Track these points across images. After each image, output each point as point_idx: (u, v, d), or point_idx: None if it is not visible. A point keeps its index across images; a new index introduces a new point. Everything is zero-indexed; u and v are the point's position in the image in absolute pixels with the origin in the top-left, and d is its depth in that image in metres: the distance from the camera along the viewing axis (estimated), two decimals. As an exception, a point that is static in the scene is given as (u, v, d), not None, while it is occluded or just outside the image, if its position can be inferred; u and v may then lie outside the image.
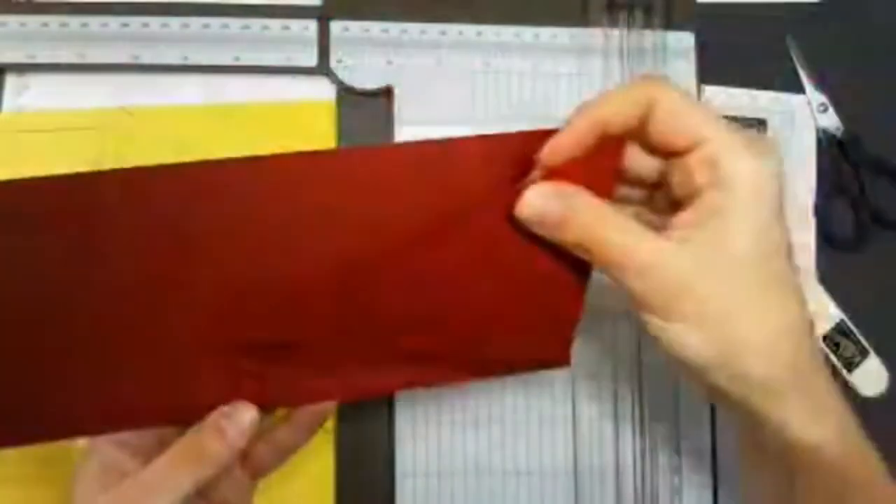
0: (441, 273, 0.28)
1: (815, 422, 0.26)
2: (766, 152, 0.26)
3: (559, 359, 0.30)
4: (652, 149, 0.27)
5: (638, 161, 0.28)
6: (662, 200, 0.29)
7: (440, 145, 0.26)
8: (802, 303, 0.26)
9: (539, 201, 0.26)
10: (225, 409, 0.28)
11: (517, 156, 0.26)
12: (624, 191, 0.29)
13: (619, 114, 0.26)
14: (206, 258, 0.26)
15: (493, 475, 0.36)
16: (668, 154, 0.27)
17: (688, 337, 0.25)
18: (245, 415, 0.28)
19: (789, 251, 0.26)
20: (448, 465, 0.36)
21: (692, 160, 0.26)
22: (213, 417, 0.27)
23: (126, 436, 0.28)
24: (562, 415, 0.37)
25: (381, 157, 0.26)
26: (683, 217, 0.26)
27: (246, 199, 0.26)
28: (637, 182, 0.29)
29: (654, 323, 0.26)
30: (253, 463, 0.30)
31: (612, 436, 0.37)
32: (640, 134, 0.27)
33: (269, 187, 0.26)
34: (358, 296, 0.28)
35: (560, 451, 0.37)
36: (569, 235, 0.26)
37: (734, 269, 0.25)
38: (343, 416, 0.36)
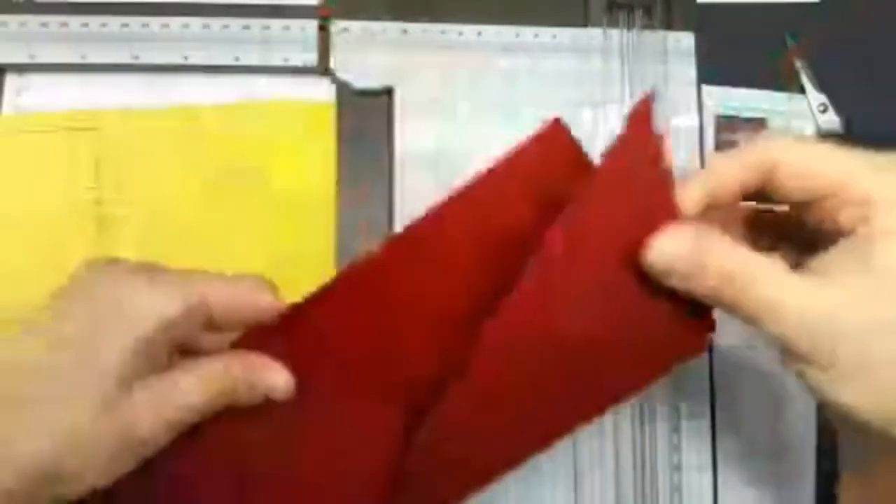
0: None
1: None
2: None
3: (696, 348, 0.27)
4: (779, 201, 0.26)
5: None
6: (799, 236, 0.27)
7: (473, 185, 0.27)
8: None
9: (669, 245, 0.24)
10: (261, 362, 0.26)
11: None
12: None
13: (731, 187, 0.25)
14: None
15: (493, 475, 0.36)
16: (803, 202, 0.25)
17: (845, 385, 0.23)
18: (278, 379, 0.26)
19: None
20: (448, 464, 0.36)
21: (834, 203, 0.24)
22: (249, 372, 0.25)
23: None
24: (562, 415, 0.37)
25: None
26: (832, 258, 0.24)
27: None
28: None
29: (808, 372, 0.24)
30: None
31: (612, 435, 0.37)
32: (770, 192, 0.26)
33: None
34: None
35: (560, 451, 0.37)
36: (706, 283, 0.24)
37: (891, 304, 0.23)
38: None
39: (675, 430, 0.37)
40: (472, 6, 0.39)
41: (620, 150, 0.25)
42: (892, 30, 0.43)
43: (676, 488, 0.37)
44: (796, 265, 0.24)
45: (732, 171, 0.25)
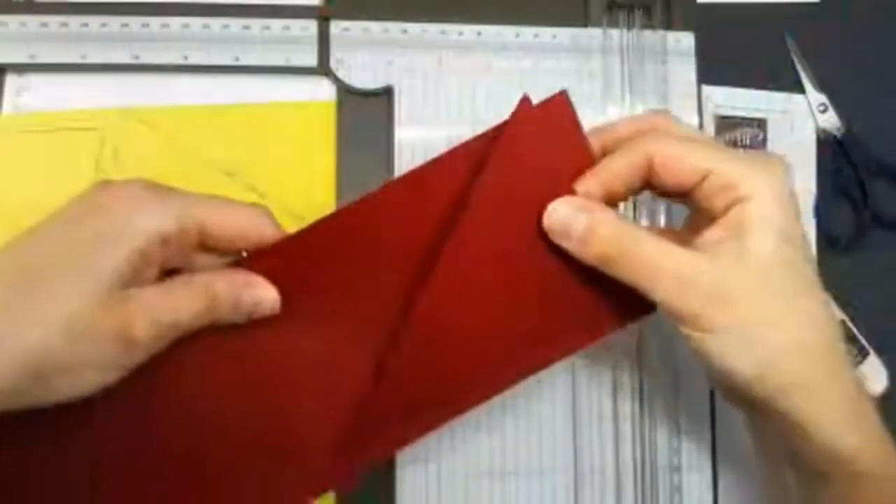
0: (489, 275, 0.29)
1: (851, 427, 0.26)
2: (774, 166, 0.27)
3: (642, 310, 0.29)
4: (664, 191, 0.29)
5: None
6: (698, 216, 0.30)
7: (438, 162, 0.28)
8: (829, 305, 0.27)
9: (565, 211, 0.27)
10: (249, 280, 0.27)
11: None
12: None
13: (619, 177, 0.28)
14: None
15: (494, 475, 0.36)
16: (681, 192, 0.28)
17: (722, 346, 0.26)
18: (265, 294, 0.27)
19: (811, 254, 0.27)
20: (448, 465, 0.36)
21: (706, 189, 0.27)
22: (237, 286, 0.27)
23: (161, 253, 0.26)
24: (562, 415, 0.37)
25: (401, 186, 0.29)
26: (710, 234, 0.27)
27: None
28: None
29: (693, 336, 0.26)
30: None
31: (612, 436, 0.37)
32: (650, 184, 0.29)
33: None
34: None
35: (560, 451, 0.37)
36: (595, 248, 0.27)
37: (764, 277, 0.26)
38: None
39: (675, 430, 0.37)
40: (472, 6, 0.39)
41: (533, 130, 0.28)
42: (892, 30, 0.43)
43: (676, 489, 0.37)
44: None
45: (619, 165, 0.28)
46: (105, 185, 0.26)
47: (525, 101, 0.28)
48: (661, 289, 0.26)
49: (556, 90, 0.29)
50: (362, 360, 0.28)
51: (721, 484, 0.37)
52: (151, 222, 0.25)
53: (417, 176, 0.29)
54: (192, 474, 0.28)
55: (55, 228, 0.25)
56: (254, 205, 0.28)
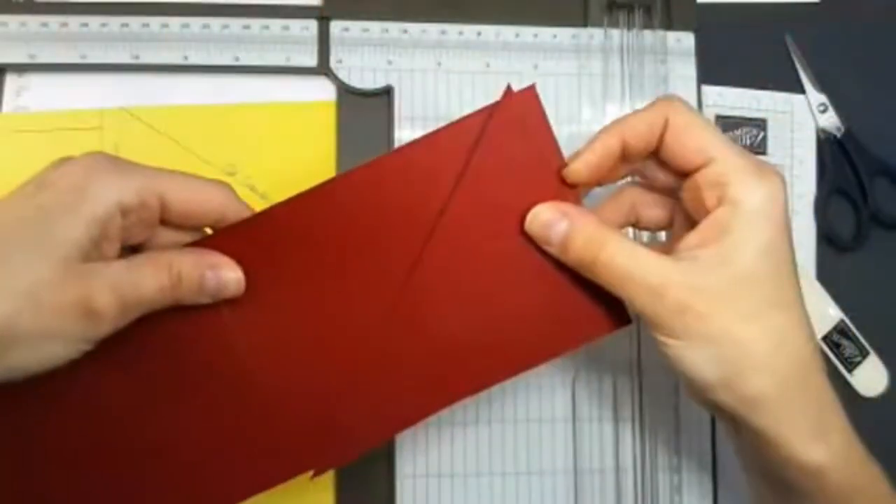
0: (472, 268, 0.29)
1: (817, 441, 0.26)
2: (773, 177, 0.27)
3: (619, 321, 0.29)
4: (667, 167, 0.29)
5: (656, 177, 0.30)
6: (680, 224, 0.30)
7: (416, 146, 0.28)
8: (806, 322, 0.27)
9: (547, 216, 0.28)
10: (214, 260, 0.27)
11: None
12: (645, 213, 0.31)
13: (637, 133, 0.28)
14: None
15: (494, 475, 0.36)
16: (680, 172, 0.28)
17: (691, 354, 0.26)
18: (230, 275, 0.27)
19: (795, 271, 0.27)
20: (448, 465, 0.36)
21: (701, 179, 0.27)
22: (201, 266, 0.27)
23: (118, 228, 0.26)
24: (562, 415, 0.37)
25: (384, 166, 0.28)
26: (691, 237, 0.27)
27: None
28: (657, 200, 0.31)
29: (661, 340, 0.27)
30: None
31: (612, 436, 0.37)
32: (658, 153, 0.29)
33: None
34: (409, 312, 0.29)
35: (560, 451, 0.37)
36: (573, 253, 0.27)
37: (738, 287, 0.26)
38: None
39: (675, 431, 0.37)
40: (472, 6, 0.39)
41: (504, 128, 0.28)
42: (892, 30, 0.43)
43: (676, 489, 0.37)
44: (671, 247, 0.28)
45: (639, 120, 0.28)
46: (66, 158, 0.26)
47: (508, 92, 0.28)
48: (633, 296, 0.27)
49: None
50: (331, 341, 0.28)
51: (721, 484, 0.37)
52: (110, 192, 0.25)
53: (388, 162, 0.29)
54: (157, 457, 0.28)
55: (15, 202, 0.25)
56: (217, 181, 0.28)
